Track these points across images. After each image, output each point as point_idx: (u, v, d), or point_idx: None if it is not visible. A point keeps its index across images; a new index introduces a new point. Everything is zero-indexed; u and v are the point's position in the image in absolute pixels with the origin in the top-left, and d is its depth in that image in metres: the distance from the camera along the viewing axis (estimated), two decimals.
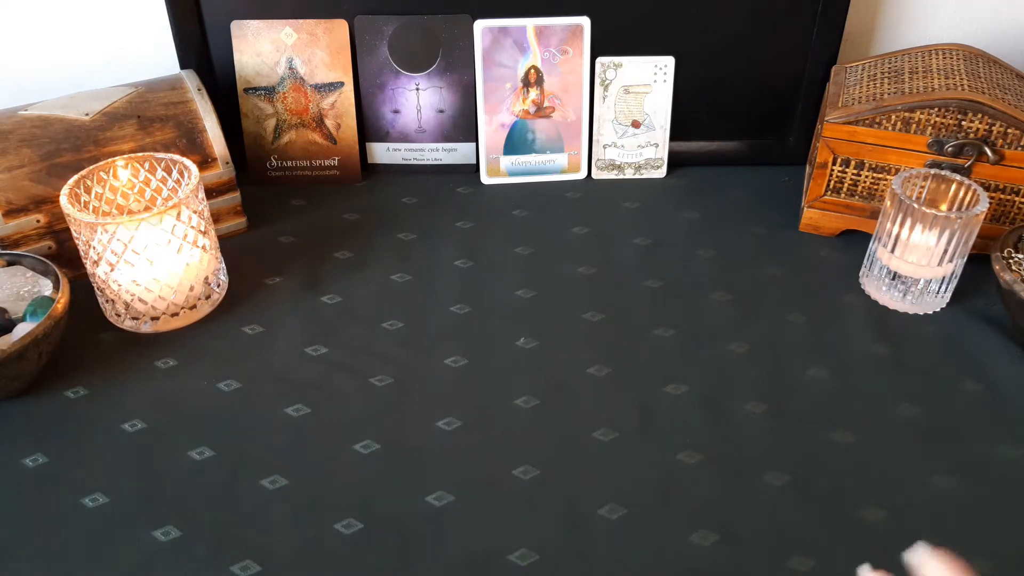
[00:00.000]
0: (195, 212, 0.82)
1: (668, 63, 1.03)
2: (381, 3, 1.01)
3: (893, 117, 0.89)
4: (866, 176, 0.94)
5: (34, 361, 0.76)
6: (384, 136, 1.08)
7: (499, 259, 0.95)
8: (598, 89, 1.04)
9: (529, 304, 0.89)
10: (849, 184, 0.95)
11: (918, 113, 0.88)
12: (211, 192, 0.94)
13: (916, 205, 0.82)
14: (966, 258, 0.84)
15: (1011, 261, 0.83)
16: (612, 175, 1.09)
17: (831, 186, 0.96)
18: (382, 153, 1.09)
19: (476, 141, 1.07)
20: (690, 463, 0.72)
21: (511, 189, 1.07)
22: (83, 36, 1.07)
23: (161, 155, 0.86)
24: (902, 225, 0.83)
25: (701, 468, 0.72)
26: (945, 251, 0.83)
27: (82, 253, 0.82)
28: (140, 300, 0.83)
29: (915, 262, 0.84)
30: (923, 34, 1.09)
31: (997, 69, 0.94)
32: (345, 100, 1.04)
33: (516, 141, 1.06)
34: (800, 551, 0.65)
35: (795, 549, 0.65)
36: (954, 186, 0.85)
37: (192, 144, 0.92)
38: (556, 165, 1.08)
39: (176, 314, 0.85)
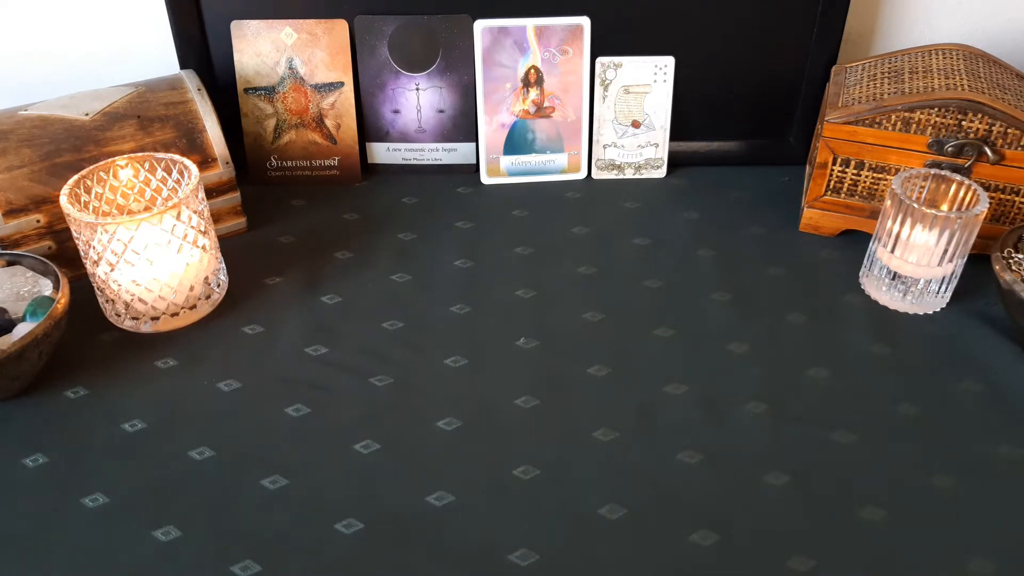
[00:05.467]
0: (195, 212, 0.82)
1: (668, 63, 1.03)
2: (381, 3, 1.01)
3: (893, 117, 0.89)
4: (866, 176, 0.94)
5: (34, 361, 0.76)
6: (384, 136, 1.08)
7: (499, 259, 0.95)
8: (598, 89, 1.04)
9: (529, 304, 0.89)
10: (849, 184, 0.95)
11: (918, 113, 0.88)
12: (211, 192, 0.94)
13: (916, 205, 0.82)
14: (966, 258, 0.84)
15: (1011, 261, 0.83)
16: (612, 175, 1.09)
17: (831, 186, 0.96)
18: (382, 153, 1.09)
19: (476, 141, 1.07)
20: (690, 463, 0.72)
21: (511, 189, 1.07)
22: (83, 36, 1.07)
23: (161, 155, 0.86)
24: (902, 225, 0.83)
25: (701, 468, 0.72)
26: (945, 251, 0.83)
27: (82, 253, 0.82)
28: (140, 300, 0.83)
29: (915, 262, 0.84)
30: (923, 34, 1.09)
31: (997, 69, 0.94)
32: (345, 100, 1.04)
33: (516, 141, 1.06)
34: (800, 551, 0.65)
35: (795, 549, 0.65)
36: (954, 186, 0.85)
37: (192, 144, 0.92)
38: (556, 165, 1.08)
39: (176, 314, 0.85)
